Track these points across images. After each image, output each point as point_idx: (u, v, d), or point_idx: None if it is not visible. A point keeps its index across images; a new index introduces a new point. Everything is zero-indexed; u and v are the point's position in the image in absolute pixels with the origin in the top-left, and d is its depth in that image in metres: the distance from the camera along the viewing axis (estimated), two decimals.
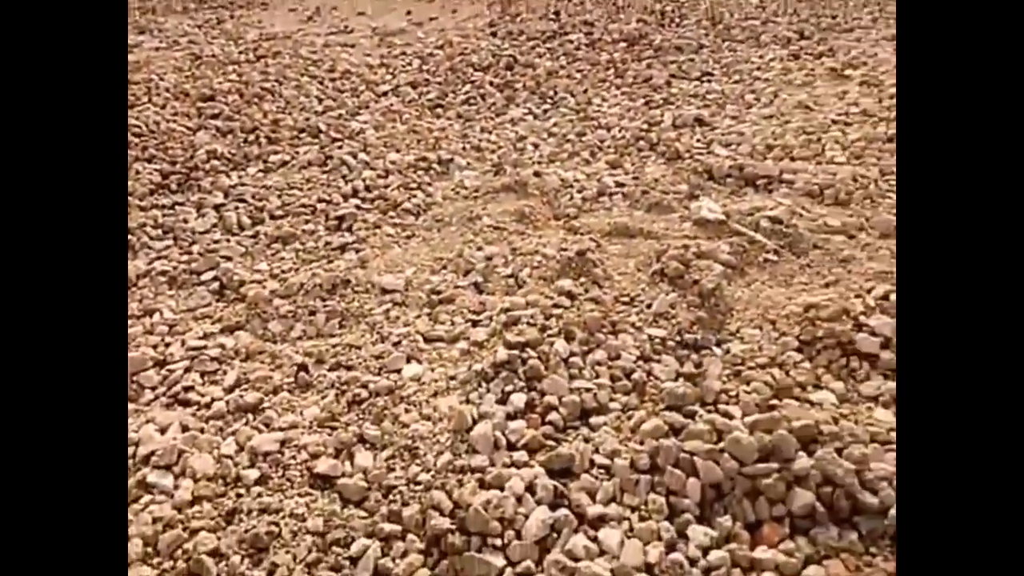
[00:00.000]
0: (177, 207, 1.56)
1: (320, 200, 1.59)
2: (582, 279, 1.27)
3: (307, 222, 1.51)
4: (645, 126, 1.97)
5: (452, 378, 1.06)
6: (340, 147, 1.83)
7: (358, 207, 1.57)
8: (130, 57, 2.45)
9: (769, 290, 1.28)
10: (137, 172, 1.66)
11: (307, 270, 1.33)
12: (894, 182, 1.62)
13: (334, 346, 1.15)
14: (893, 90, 2.09)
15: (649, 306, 1.21)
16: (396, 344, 1.14)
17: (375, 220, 1.52)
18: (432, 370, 1.08)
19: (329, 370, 1.09)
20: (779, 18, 2.82)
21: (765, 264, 1.36)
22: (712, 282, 1.23)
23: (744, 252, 1.38)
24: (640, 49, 2.57)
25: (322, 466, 0.93)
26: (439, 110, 2.11)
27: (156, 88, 2.14)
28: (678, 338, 1.13)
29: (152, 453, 0.96)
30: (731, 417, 0.94)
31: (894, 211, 1.50)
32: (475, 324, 1.17)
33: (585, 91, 2.24)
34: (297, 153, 1.80)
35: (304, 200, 1.58)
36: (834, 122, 1.94)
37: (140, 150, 1.76)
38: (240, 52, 2.52)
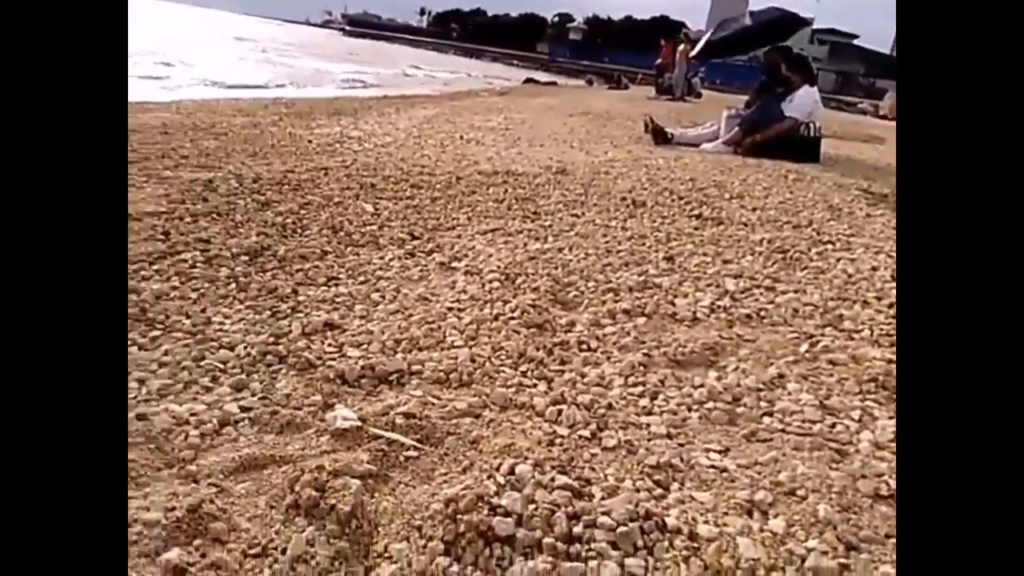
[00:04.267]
0: None
1: None
2: (197, 541, 1.06)
3: None
4: (272, 339, 1.89)
5: None
6: None
7: None
8: None
9: (413, 491, 1.26)
10: None
11: None
12: (504, 355, 1.85)
13: None
14: (491, 275, 2.47)
15: (284, 551, 1.06)
16: None
17: None
18: None
19: None
20: (393, 223, 3.17)
21: (406, 463, 1.35)
22: (349, 502, 1.15)
23: (384, 456, 1.35)
24: (264, 261, 2.56)
25: None
26: None
27: None
28: None
29: None
30: None
31: (508, 383, 1.69)
32: None
33: (203, 310, 2.08)
34: None
35: None
36: (449, 309, 2.17)
37: None
38: None
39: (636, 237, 3.12)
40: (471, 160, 5.14)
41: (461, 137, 6.69)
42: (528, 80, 22.56)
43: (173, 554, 1.02)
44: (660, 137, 7.00)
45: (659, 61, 18.41)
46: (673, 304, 2.27)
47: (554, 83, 22.55)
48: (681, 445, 1.44)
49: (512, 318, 2.08)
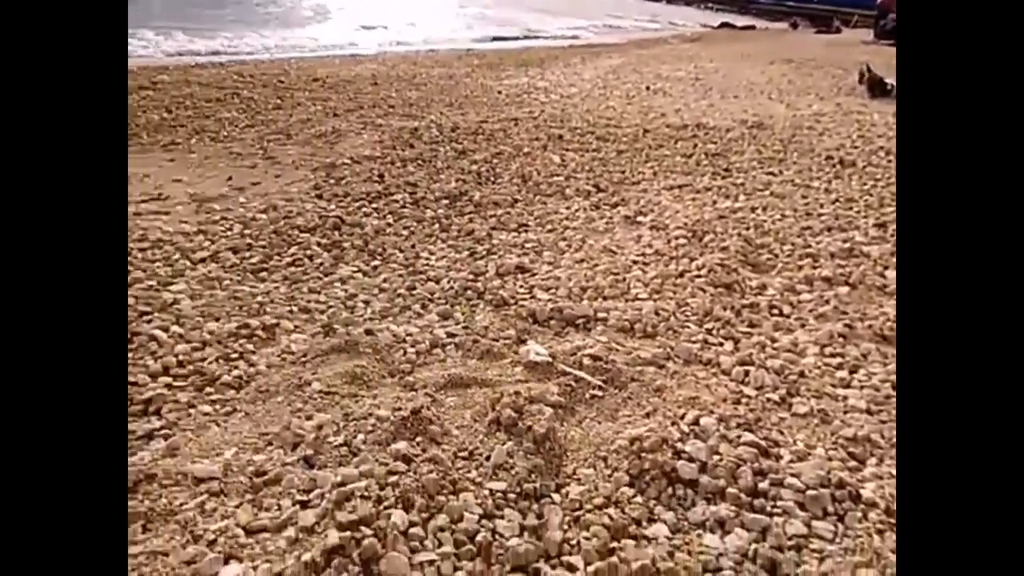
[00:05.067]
0: None
1: None
2: (419, 439, 1.25)
3: None
4: (471, 276, 2.08)
5: (278, 575, 0.95)
6: (149, 321, 1.69)
7: (168, 386, 1.43)
8: None
9: (598, 426, 1.35)
10: None
11: None
12: (689, 312, 1.85)
13: (135, 556, 0.98)
14: (677, 232, 2.45)
15: (488, 458, 1.21)
16: (212, 543, 1.01)
17: (188, 399, 1.39)
18: (254, 568, 0.96)
19: None
20: (578, 175, 3.23)
21: (592, 401, 1.44)
22: (544, 426, 1.27)
23: (572, 391, 1.46)
24: (462, 205, 2.78)
25: None
26: (263, 274, 2.06)
27: None
28: (518, 489, 1.13)
29: None
30: (574, 569, 0.93)
31: (693, 339, 1.70)
32: (304, 505, 1.08)
33: (413, 246, 2.33)
34: None
35: None
36: (634, 263, 2.21)
37: None
38: None
39: (842, 200, 2.86)
40: (658, 112, 5.00)
41: (648, 88, 6.49)
42: (723, 24, 20.95)
43: (401, 445, 1.21)
44: (878, 88, 6.19)
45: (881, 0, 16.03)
46: (883, 276, 2.08)
47: (752, 27, 20.69)
48: (883, 422, 1.36)
49: (698, 276, 2.06)
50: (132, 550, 1.00)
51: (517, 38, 12.20)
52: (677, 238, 2.39)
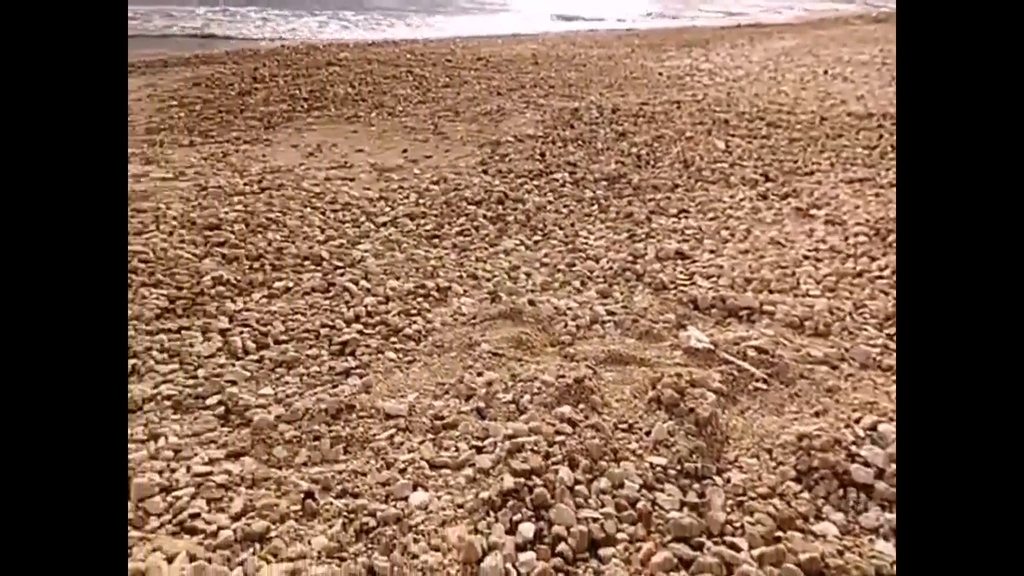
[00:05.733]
0: (183, 332, 1.59)
1: (323, 325, 1.63)
2: (581, 406, 1.31)
3: (311, 347, 1.55)
4: (630, 258, 2.09)
5: (460, 506, 1.06)
6: (342, 274, 1.91)
7: (360, 332, 1.61)
8: (137, 187, 2.58)
9: (762, 419, 1.33)
10: (144, 297, 1.71)
11: (311, 395, 1.35)
12: (868, 314, 1.74)
13: (340, 472, 1.14)
14: (856, 228, 2.28)
15: (648, 433, 1.24)
16: (402, 471, 1.15)
17: (377, 345, 1.56)
18: (439, 498, 1.08)
19: (336, 497, 1.08)
20: (745, 162, 3.10)
21: (755, 393, 1.42)
22: (707, 410, 1.28)
23: (734, 380, 1.44)
24: (621, 187, 2.79)
25: None
26: (436, 240, 2.23)
27: (163, 216, 2.24)
28: (679, 467, 1.16)
29: None
30: (738, 549, 0.95)
31: (871, 342, 1.60)
32: (480, 451, 1.19)
33: (572, 225, 2.39)
34: (300, 280, 1.87)
35: (307, 325, 1.63)
36: (805, 257, 2.10)
37: (147, 276, 1.82)
38: (245, 184, 2.66)
39: None
40: (837, 99, 4.61)
41: (826, 72, 5.99)
42: None
43: (566, 409, 1.28)
44: None
45: None
46: None
47: None
48: None
49: (880, 276, 1.92)
50: (335, 468, 1.16)
51: (676, 17, 11.81)
52: (856, 235, 2.23)
